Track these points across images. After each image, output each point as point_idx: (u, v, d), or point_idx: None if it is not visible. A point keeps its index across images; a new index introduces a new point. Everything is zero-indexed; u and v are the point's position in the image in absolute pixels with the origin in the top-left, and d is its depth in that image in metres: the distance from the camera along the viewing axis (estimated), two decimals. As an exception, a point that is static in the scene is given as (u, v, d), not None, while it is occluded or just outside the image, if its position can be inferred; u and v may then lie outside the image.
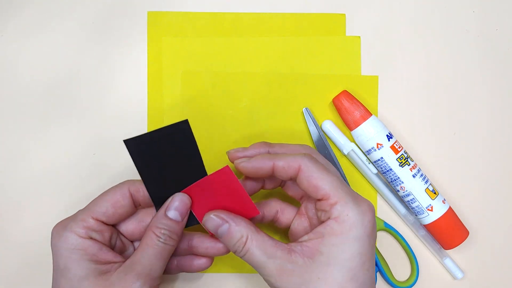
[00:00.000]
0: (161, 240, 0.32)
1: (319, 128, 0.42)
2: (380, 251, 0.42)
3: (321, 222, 0.32)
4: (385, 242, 0.42)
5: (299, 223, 0.36)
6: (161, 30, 0.42)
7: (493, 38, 0.43)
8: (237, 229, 0.32)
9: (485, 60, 0.43)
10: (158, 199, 0.34)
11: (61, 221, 0.34)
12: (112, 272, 0.32)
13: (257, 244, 0.31)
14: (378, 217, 0.42)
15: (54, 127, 0.42)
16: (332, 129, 0.41)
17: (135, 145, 0.31)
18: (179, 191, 0.34)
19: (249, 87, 0.42)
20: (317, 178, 0.31)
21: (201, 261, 0.36)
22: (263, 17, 0.43)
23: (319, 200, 0.32)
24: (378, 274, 0.41)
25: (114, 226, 0.35)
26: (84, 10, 0.42)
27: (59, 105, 0.42)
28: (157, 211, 0.34)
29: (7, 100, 0.42)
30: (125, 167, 0.42)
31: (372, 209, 0.32)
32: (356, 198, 0.32)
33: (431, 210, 0.39)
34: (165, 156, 0.32)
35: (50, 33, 0.42)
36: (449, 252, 0.42)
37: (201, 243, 0.36)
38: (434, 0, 0.43)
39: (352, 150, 0.41)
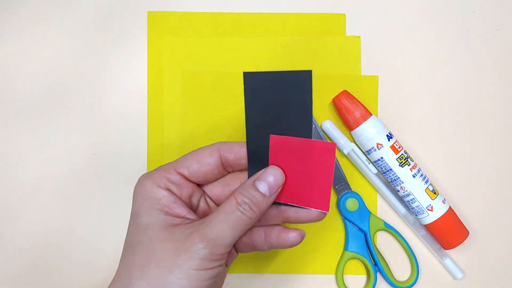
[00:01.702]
0: (240, 208, 0.30)
1: (319, 128, 0.42)
2: (380, 251, 0.42)
3: None
4: (385, 242, 0.42)
5: None
6: (161, 30, 0.42)
7: (493, 38, 0.43)
8: None
9: (485, 60, 0.43)
10: (253, 146, 0.32)
11: (148, 172, 0.33)
12: (181, 227, 0.30)
13: None
14: (378, 217, 0.42)
15: (54, 127, 0.42)
16: (332, 129, 0.41)
17: (251, 80, 0.30)
18: None
19: (249, 87, 0.42)
20: None
21: (290, 234, 0.32)
22: (263, 17, 0.43)
23: None
24: (378, 274, 0.41)
25: (200, 186, 0.34)
26: (84, 10, 0.42)
27: (59, 105, 0.42)
28: (248, 159, 0.32)
29: (6, 101, 0.42)
30: (125, 167, 0.42)
31: None
32: None
33: (431, 210, 0.39)
34: (276, 101, 0.30)
35: (50, 33, 0.42)
36: (449, 252, 0.42)
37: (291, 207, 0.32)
38: (434, 0, 0.43)
39: (352, 150, 0.41)
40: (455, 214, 0.40)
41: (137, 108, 0.42)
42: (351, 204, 0.41)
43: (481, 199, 0.43)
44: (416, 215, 0.41)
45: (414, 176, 0.39)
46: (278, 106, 0.30)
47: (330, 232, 0.42)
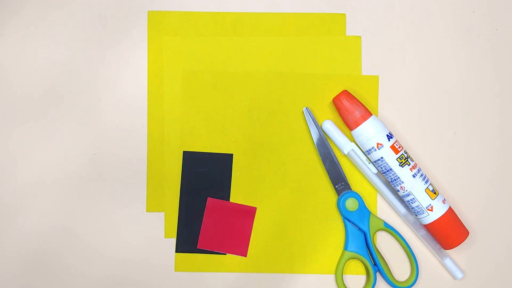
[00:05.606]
0: None
1: (319, 128, 0.42)
2: (380, 251, 0.42)
3: None
4: (385, 242, 0.42)
5: None
6: (161, 29, 0.42)
7: (493, 38, 0.43)
8: None
9: (485, 60, 0.43)
10: (185, 207, 0.41)
11: None
12: None
13: None
14: (378, 217, 0.42)
15: (54, 127, 0.42)
16: (332, 129, 0.41)
17: (189, 158, 0.41)
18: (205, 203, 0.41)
19: (249, 87, 0.42)
20: None
21: None
22: (263, 17, 0.43)
23: None
24: (378, 274, 0.41)
25: None
26: (84, 9, 0.42)
27: (59, 105, 0.42)
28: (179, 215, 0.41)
29: (6, 101, 0.42)
30: (125, 167, 0.42)
31: None
32: None
33: (431, 210, 0.39)
34: (206, 172, 0.41)
35: (50, 33, 0.42)
36: (449, 252, 0.42)
37: None
38: (434, 0, 0.43)
39: (352, 150, 0.41)
40: (455, 214, 0.40)
41: (137, 108, 0.42)
42: (351, 204, 0.41)
43: (481, 199, 0.43)
44: (416, 215, 0.41)
45: (414, 176, 0.39)
46: (208, 175, 0.41)
47: (330, 232, 0.42)
